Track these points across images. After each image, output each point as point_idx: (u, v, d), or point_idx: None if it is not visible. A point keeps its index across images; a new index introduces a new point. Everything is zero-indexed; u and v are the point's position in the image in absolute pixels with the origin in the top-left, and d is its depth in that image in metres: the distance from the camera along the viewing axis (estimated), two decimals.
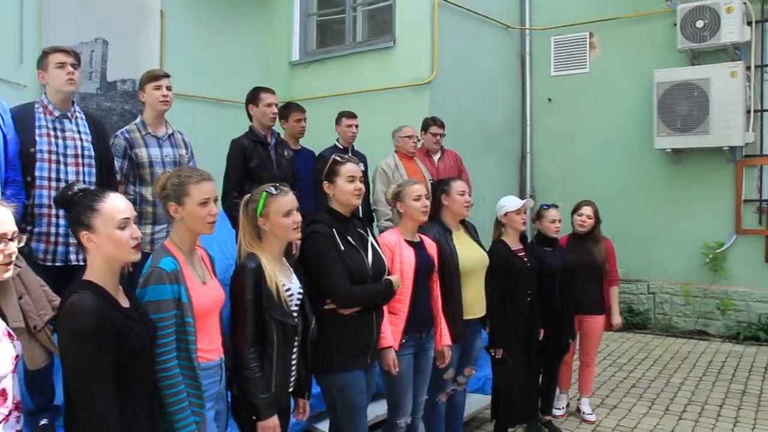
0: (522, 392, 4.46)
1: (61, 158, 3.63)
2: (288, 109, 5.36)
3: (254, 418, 2.75)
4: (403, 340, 3.58)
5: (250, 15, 8.59)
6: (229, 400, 2.86)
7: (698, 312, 7.91)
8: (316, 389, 3.23)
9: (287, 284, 2.88)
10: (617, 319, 5.25)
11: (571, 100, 8.80)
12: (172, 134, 4.29)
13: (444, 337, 3.87)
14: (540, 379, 4.87)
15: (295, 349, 2.94)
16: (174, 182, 2.62)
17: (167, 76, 4.25)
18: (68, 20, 6.57)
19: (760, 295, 7.60)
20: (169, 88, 4.22)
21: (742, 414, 5.25)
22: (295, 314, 2.90)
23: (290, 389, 2.98)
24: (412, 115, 6.53)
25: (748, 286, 7.69)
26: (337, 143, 5.73)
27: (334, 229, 3.25)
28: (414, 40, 7.49)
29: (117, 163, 4.02)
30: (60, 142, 3.64)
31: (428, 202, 3.79)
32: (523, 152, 9.16)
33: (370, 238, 3.43)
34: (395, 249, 3.61)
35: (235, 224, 4.34)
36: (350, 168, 3.35)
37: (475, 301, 4.14)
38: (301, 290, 2.98)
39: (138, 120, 4.23)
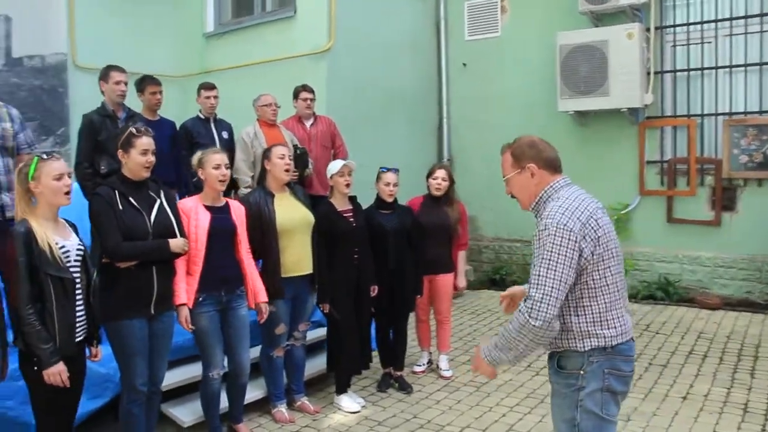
0: (355, 346, 4.64)
1: None
2: (143, 83, 5.52)
3: (35, 368, 3.00)
4: (200, 298, 3.84)
5: None
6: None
7: None
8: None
9: (62, 242, 3.11)
10: (462, 282, 5.43)
11: (485, 64, 8.83)
12: None
13: (258, 294, 4.09)
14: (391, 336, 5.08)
15: (81, 301, 3.17)
16: None
17: None
18: None
19: (662, 255, 7.74)
20: None
21: None
22: (74, 269, 3.15)
23: (79, 338, 3.20)
24: (311, 84, 6.55)
25: (651, 246, 7.83)
26: (199, 114, 5.88)
27: (116, 191, 3.48)
28: (312, 9, 7.52)
29: None
30: None
31: (227, 172, 3.99)
32: (440, 118, 9.20)
33: (161, 201, 3.64)
34: (191, 213, 3.84)
35: (87, 193, 4.58)
36: (144, 142, 3.58)
37: (300, 259, 4.39)
38: (81, 246, 3.21)
39: None
